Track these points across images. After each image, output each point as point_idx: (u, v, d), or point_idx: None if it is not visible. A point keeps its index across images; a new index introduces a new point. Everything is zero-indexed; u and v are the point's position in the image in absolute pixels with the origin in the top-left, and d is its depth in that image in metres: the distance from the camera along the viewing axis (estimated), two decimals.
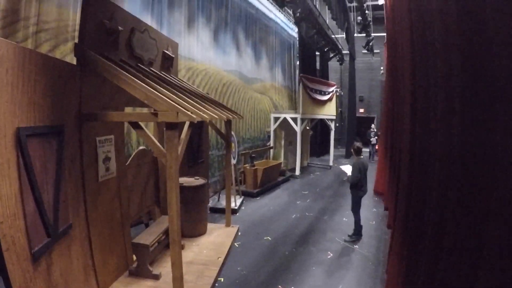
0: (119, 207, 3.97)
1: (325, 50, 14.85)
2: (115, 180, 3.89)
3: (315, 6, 11.42)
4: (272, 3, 12.92)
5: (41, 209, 2.63)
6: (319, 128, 16.42)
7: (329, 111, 13.81)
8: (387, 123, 8.37)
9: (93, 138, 3.52)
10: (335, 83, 14.69)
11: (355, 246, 5.88)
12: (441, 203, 2.18)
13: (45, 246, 2.66)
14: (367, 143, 14.40)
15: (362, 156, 6.07)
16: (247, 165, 9.82)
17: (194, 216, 5.28)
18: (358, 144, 6.14)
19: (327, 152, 15.76)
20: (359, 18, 13.77)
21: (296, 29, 14.50)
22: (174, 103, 3.16)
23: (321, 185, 10.98)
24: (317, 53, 15.46)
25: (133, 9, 6.30)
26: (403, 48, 4.17)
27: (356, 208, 6.17)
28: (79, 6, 5.38)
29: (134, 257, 4.13)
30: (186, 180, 5.44)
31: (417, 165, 3.14)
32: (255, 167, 9.57)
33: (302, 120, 12.00)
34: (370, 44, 16.22)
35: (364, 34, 15.44)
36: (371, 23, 15.28)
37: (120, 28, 3.84)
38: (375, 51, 18.23)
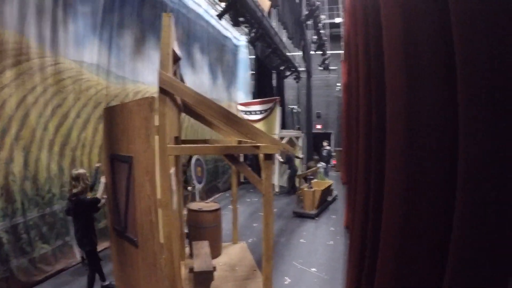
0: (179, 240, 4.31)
1: (281, 68, 15.03)
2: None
3: (271, 26, 11.49)
4: (228, 21, 12.92)
5: (116, 204, 3.73)
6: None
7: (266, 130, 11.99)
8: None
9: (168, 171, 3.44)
10: (276, 97, 12.85)
11: (312, 269, 5.82)
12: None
13: (118, 229, 3.75)
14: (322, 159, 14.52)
15: None
16: (304, 186, 9.87)
17: (215, 238, 5.55)
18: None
19: None
20: (315, 37, 14.07)
21: (252, 48, 14.56)
22: (272, 137, 3.60)
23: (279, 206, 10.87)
24: (274, 71, 15.61)
25: (79, 32, 5.99)
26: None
27: None
28: (24, 27, 5.00)
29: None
30: (200, 205, 5.81)
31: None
32: (313, 189, 9.60)
33: None
34: (326, 62, 16.65)
35: (321, 53, 15.81)
36: (326, 42, 15.69)
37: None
38: (331, 68, 18.72)
